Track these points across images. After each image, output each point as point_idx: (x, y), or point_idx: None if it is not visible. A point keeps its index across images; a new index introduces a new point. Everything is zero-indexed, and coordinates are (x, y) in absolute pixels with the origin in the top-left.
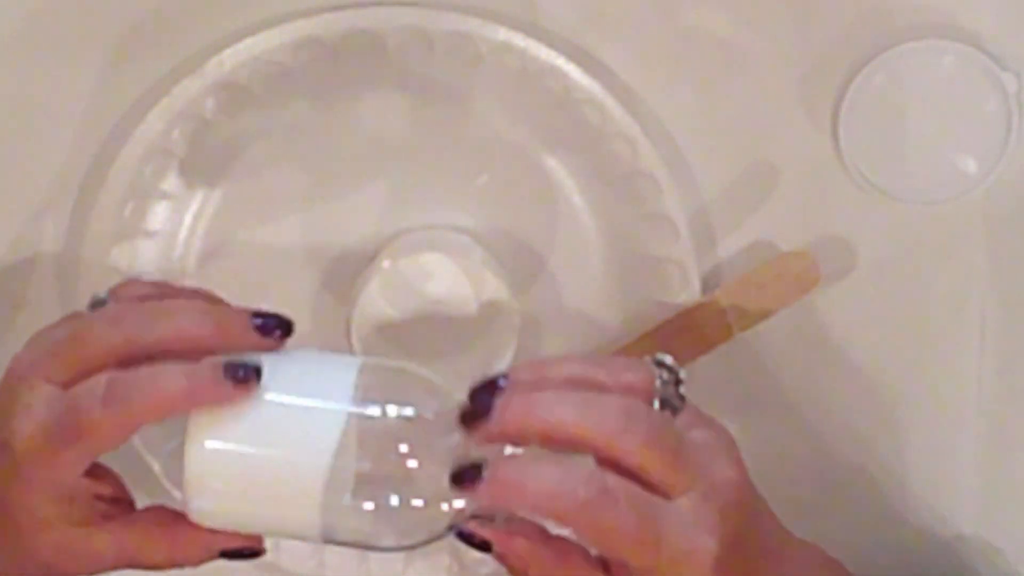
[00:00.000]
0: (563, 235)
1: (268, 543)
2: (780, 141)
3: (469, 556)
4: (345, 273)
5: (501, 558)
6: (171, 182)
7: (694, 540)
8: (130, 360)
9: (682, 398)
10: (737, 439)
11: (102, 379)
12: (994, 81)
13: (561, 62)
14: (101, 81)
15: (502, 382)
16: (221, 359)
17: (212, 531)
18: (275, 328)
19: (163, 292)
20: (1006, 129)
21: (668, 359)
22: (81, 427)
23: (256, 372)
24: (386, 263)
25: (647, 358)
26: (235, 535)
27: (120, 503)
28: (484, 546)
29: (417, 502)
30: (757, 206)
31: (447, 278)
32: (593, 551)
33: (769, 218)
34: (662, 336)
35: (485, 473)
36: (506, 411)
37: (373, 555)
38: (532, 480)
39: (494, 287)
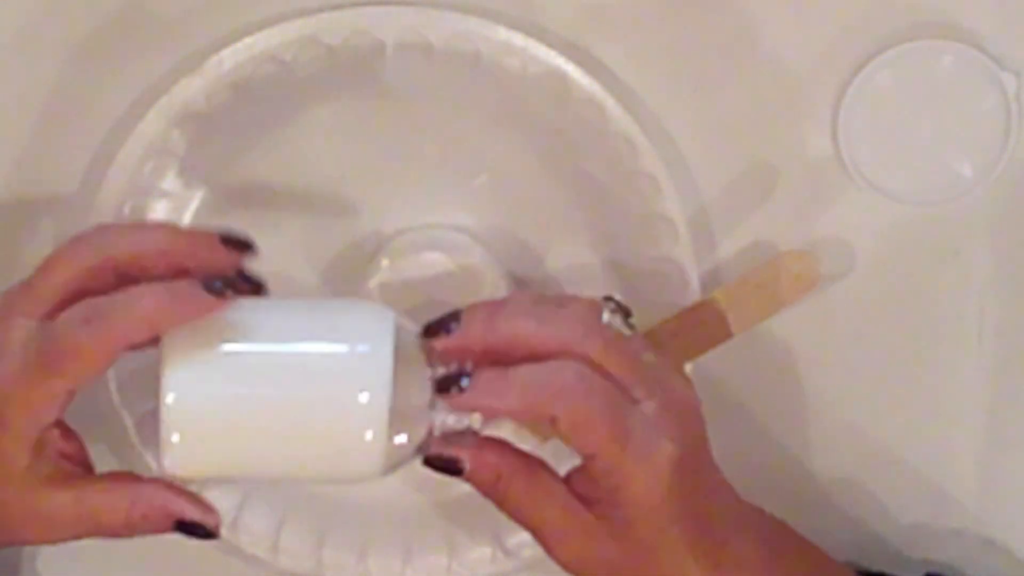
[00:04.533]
0: (562, 235)
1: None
2: (780, 141)
3: (467, 556)
4: (345, 273)
5: (472, 475)
6: (170, 181)
7: (656, 442)
8: (103, 280)
9: (631, 328)
10: (736, 438)
11: (81, 304)
12: (994, 81)
13: (561, 62)
14: (100, 80)
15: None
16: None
17: (171, 496)
18: (238, 245)
19: None
20: (1005, 129)
21: (616, 295)
22: (63, 352)
23: (231, 285)
24: (386, 263)
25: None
26: (193, 504)
27: (81, 467)
28: (454, 468)
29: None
30: (756, 206)
31: (447, 278)
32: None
33: (768, 218)
34: (661, 336)
35: (468, 379)
36: (469, 324)
37: (371, 554)
38: (513, 376)
39: (494, 287)
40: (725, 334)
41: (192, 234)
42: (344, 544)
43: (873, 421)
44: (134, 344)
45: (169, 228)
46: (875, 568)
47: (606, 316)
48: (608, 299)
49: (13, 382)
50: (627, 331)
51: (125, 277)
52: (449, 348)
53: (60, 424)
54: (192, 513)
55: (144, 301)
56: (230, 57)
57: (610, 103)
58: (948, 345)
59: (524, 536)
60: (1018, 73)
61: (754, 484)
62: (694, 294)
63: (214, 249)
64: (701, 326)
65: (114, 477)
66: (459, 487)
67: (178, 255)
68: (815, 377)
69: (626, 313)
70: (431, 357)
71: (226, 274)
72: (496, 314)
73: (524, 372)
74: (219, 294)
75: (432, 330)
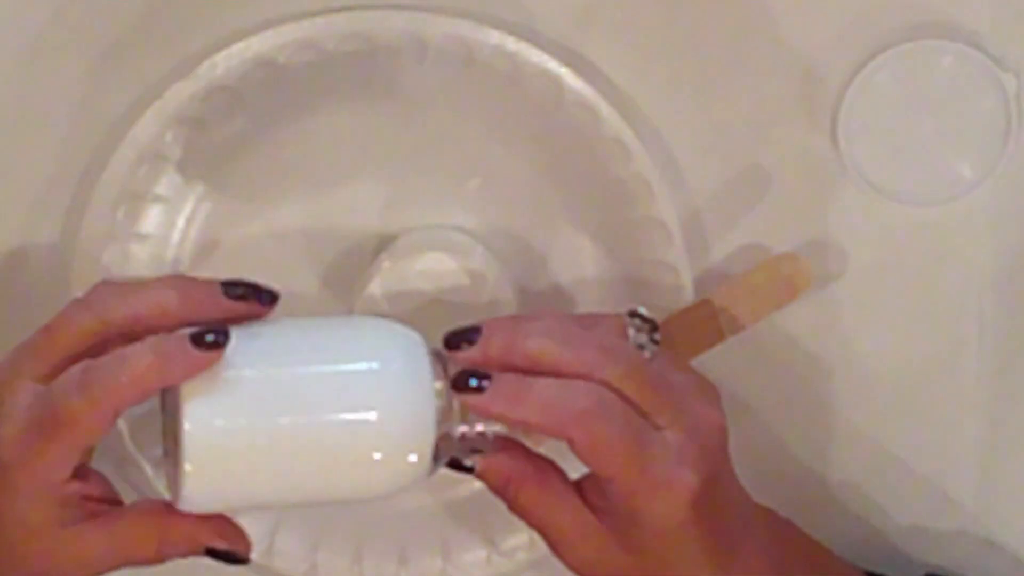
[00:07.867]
0: (556, 238)
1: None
2: (778, 142)
3: (462, 559)
4: (345, 273)
5: (483, 475)
6: (164, 185)
7: (677, 471)
8: (107, 342)
9: (656, 343)
10: (736, 439)
11: (77, 368)
12: (993, 81)
13: (553, 65)
14: (94, 84)
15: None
16: (188, 331)
17: (200, 525)
18: (243, 293)
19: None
20: (1005, 129)
21: (642, 309)
22: (60, 419)
23: (224, 335)
24: (386, 263)
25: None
26: (222, 532)
27: (108, 503)
28: (465, 467)
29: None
30: (752, 209)
31: (447, 278)
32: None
33: (765, 221)
34: None
35: (488, 382)
36: (491, 338)
37: (366, 557)
38: (533, 388)
39: (494, 287)
40: (717, 337)
41: (192, 286)
42: (339, 547)
43: (873, 422)
44: (131, 405)
45: (169, 283)
46: (875, 568)
47: (631, 333)
48: (633, 315)
49: (16, 447)
50: (652, 347)
51: (129, 336)
52: (469, 361)
53: (79, 469)
54: (221, 544)
55: (132, 363)
56: (224, 61)
57: (603, 106)
58: (948, 345)
59: (519, 539)
60: (1018, 73)
61: (754, 485)
62: (687, 297)
63: (215, 300)
64: (693, 329)
65: (142, 509)
66: (454, 490)
67: (178, 314)
68: (815, 377)
69: (652, 327)
70: (444, 367)
71: (221, 325)
72: (518, 331)
73: (545, 386)
74: (210, 347)
75: (452, 342)
